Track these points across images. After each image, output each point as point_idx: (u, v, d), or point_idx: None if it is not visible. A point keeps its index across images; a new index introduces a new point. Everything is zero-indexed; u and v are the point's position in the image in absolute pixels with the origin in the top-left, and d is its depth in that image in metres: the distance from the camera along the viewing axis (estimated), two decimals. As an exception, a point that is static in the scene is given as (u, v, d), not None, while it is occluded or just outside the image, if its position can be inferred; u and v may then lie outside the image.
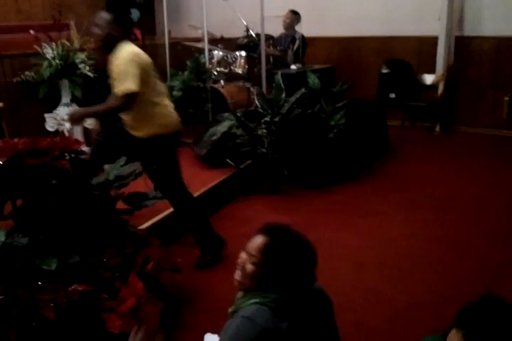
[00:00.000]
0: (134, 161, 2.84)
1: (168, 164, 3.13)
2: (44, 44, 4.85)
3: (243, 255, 1.59)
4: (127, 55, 2.87)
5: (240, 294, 1.64)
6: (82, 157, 2.58)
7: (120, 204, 2.68)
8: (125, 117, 3.11)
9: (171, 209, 3.35)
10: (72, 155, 2.51)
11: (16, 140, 2.43)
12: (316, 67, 5.50)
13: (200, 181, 3.94)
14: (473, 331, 1.10)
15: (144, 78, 2.87)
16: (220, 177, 4.05)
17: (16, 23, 5.17)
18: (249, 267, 1.55)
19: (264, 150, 4.03)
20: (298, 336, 1.50)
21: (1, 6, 5.01)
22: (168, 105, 3.12)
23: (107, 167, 2.80)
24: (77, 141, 2.60)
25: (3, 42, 4.84)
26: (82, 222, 2.46)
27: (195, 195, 3.66)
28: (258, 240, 1.56)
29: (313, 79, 4.45)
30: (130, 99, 2.88)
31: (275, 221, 1.65)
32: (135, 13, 6.16)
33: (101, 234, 2.50)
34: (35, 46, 4.84)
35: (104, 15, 2.98)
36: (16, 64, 4.75)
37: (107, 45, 2.98)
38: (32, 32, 5.02)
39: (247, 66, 5.28)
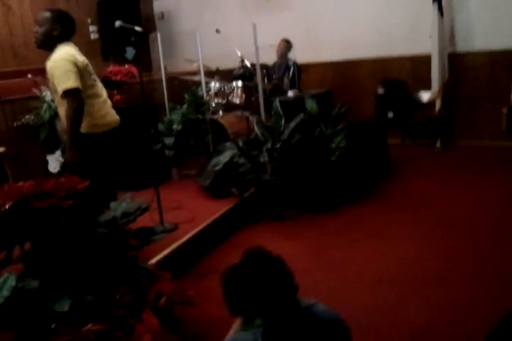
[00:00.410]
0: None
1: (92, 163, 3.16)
2: (43, 87, 4.94)
3: None
4: (63, 55, 3.00)
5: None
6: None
7: (130, 241, 2.68)
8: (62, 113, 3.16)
9: (180, 242, 3.36)
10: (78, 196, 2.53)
11: (20, 183, 2.46)
12: (313, 92, 5.56)
13: (206, 212, 3.94)
14: None
15: (80, 77, 2.98)
16: (225, 206, 4.05)
17: (14, 68, 5.28)
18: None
19: (267, 177, 4.04)
20: None
21: (-1, 52, 5.15)
22: (106, 107, 3.24)
23: (113, 204, 2.82)
24: (81, 181, 2.62)
25: (4, 88, 4.93)
26: (92, 261, 2.46)
27: (202, 226, 3.68)
28: None
29: (310, 105, 4.50)
30: (78, 95, 2.97)
31: (275, 246, 1.67)
32: (130, 51, 6.26)
33: (112, 272, 2.50)
34: (34, 90, 4.93)
35: (45, 14, 3.07)
36: (17, 108, 4.82)
37: (46, 43, 3.10)
38: (30, 76, 5.12)
39: (244, 95, 5.35)
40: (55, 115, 4.78)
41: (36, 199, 2.37)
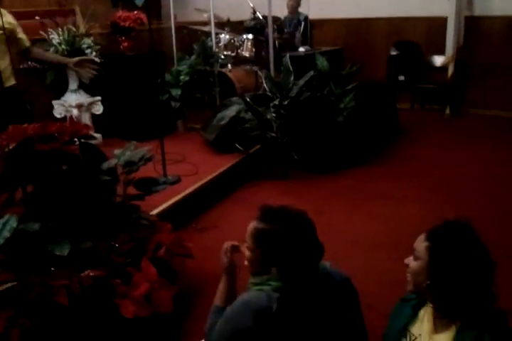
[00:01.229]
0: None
1: None
2: (50, 30, 4.80)
3: None
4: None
5: (250, 277, 1.64)
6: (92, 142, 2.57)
7: (131, 190, 2.66)
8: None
9: (182, 194, 3.35)
10: (82, 140, 2.49)
11: (25, 125, 2.42)
12: (324, 49, 5.43)
13: (209, 166, 3.92)
14: (437, 245, 1.38)
15: None
16: (229, 162, 4.03)
17: (21, 10, 5.12)
18: (246, 252, 1.58)
19: (273, 134, 3.99)
20: (297, 325, 1.47)
21: (6, -7, 4.98)
22: None
23: (116, 152, 2.79)
24: (86, 126, 2.58)
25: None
26: (93, 207, 2.45)
27: (206, 179, 3.66)
28: (250, 225, 1.57)
29: (321, 62, 4.39)
30: None
31: (279, 204, 1.61)
32: (140, -2, 6.07)
33: (112, 220, 2.49)
34: (42, 32, 4.80)
35: None
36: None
37: None
38: (37, 18, 4.98)
39: (254, 49, 5.22)
40: (61, 59, 4.68)
41: (40, 141, 2.33)
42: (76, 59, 3.26)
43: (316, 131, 4.04)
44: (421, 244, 1.43)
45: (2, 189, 2.45)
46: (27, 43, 3.32)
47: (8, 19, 3.14)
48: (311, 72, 4.08)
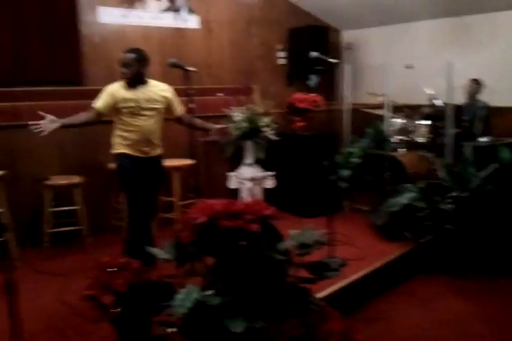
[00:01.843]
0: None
1: None
2: (233, 107, 5.21)
3: None
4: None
5: None
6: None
7: (302, 272, 2.67)
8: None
9: (348, 280, 3.28)
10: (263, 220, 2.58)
11: (213, 201, 2.59)
12: (507, 140, 5.13)
13: (376, 252, 3.82)
14: None
15: None
16: (397, 250, 3.88)
17: (208, 86, 5.67)
18: None
19: (449, 226, 3.78)
20: None
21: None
22: None
23: (292, 232, 2.84)
24: (267, 207, 2.68)
25: (200, 104, 5.30)
26: (267, 286, 2.49)
27: (373, 266, 3.55)
28: None
29: (505, 154, 4.15)
30: None
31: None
32: (314, 79, 6.38)
33: (283, 301, 2.50)
34: (224, 109, 5.22)
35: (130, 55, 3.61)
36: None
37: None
38: (220, 94, 5.45)
39: (429, 135, 5.12)
40: (242, 135, 5.01)
41: (226, 218, 2.47)
42: (219, 126, 3.92)
43: (502, 227, 3.73)
44: None
45: (186, 259, 2.61)
46: (180, 112, 3.98)
47: (167, 94, 3.83)
48: (495, 165, 3.86)
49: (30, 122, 3.39)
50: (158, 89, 3.77)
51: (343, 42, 7.15)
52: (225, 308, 2.28)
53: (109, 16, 4.94)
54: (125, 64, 3.61)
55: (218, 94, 5.46)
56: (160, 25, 5.28)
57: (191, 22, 5.48)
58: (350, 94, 5.84)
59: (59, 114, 3.72)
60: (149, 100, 3.67)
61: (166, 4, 5.27)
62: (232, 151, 5.24)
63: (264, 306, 2.38)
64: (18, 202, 4.38)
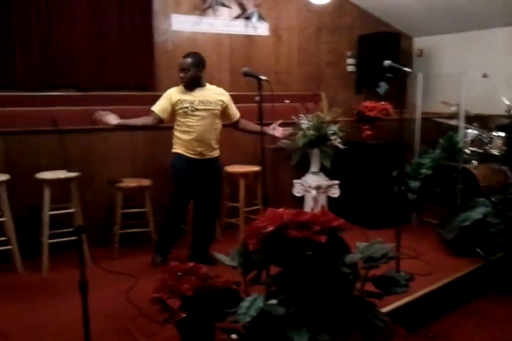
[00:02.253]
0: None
1: None
2: (301, 115, 5.20)
3: None
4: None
5: None
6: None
7: (368, 286, 2.62)
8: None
9: (415, 296, 3.19)
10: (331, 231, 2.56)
11: (282, 210, 2.59)
12: None
13: (444, 268, 3.70)
14: None
15: None
16: (467, 266, 3.74)
17: (276, 93, 5.69)
18: None
19: (525, 244, 3.61)
20: None
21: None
22: None
23: (359, 245, 2.80)
24: (336, 218, 2.65)
25: (268, 111, 5.32)
26: (332, 298, 2.46)
27: (441, 283, 3.44)
28: None
29: None
30: None
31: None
32: (383, 87, 6.26)
33: (348, 315, 2.46)
34: (293, 116, 5.22)
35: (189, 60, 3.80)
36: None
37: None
38: (287, 101, 5.45)
39: (504, 148, 4.91)
40: (309, 142, 5.00)
41: (293, 228, 2.46)
42: (271, 126, 3.94)
43: None
44: None
45: (252, 266, 2.63)
46: (236, 117, 4.11)
47: (223, 98, 3.98)
48: None
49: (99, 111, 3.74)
50: (214, 92, 3.93)
51: (414, 49, 6.99)
52: (289, 319, 2.27)
53: (182, 24, 5.06)
54: (183, 68, 3.80)
55: (285, 101, 5.46)
56: (230, 33, 5.35)
57: (261, 29, 5.52)
58: (422, 102, 5.70)
59: (131, 118, 3.89)
60: (203, 101, 3.82)
61: (237, 12, 5.34)
62: (298, 159, 5.25)
63: (328, 319, 2.36)
64: (90, 202, 4.57)
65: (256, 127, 3.86)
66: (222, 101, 3.94)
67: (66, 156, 4.37)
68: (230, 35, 5.36)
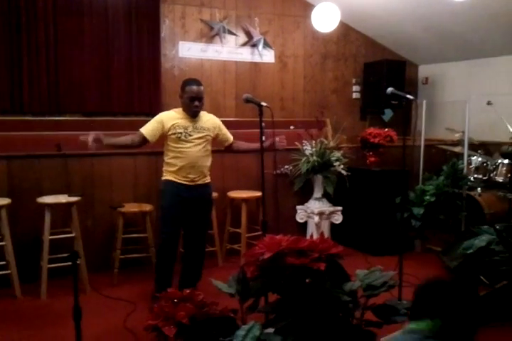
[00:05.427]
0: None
1: None
2: (304, 141, 5.20)
3: None
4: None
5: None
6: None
7: (368, 314, 2.58)
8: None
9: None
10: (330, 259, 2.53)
11: (280, 237, 2.56)
12: None
13: (448, 297, 3.62)
14: None
15: None
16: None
17: (280, 119, 5.72)
18: None
19: (529, 273, 3.54)
20: None
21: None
22: None
23: (359, 273, 2.76)
24: (335, 245, 2.62)
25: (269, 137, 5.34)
26: (330, 326, 2.42)
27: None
28: None
29: None
30: None
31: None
32: (388, 113, 6.27)
33: (346, 344, 2.42)
34: (296, 143, 5.22)
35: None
36: (279, 157, 5.11)
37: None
38: (292, 127, 5.47)
39: (509, 175, 4.87)
40: (312, 168, 4.99)
41: (291, 255, 2.43)
42: (268, 143, 3.72)
43: None
44: None
45: (250, 294, 2.59)
46: (230, 140, 4.02)
47: (215, 124, 3.89)
48: None
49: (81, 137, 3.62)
50: (206, 118, 3.85)
51: (419, 77, 7.03)
52: (285, 348, 2.23)
53: (189, 51, 5.15)
54: (199, 97, 3.68)
55: (291, 127, 5.48)
56: (237, 60, 5.43)
57: (267, 56, 5.59)
58: (427, 129, 5.70)
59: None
60: (197, 127, 3.73)
61: (243, 39, 5.42)
62: (301, 185, 5.24)
63: (326, 348, 2.31)
64: (91, 227, 4.57)
65: (254, 144, 3.81)
66: (214, 127, 3.85)
67: (68, 181, 4.40)
68: (236, 62, 5.43)
